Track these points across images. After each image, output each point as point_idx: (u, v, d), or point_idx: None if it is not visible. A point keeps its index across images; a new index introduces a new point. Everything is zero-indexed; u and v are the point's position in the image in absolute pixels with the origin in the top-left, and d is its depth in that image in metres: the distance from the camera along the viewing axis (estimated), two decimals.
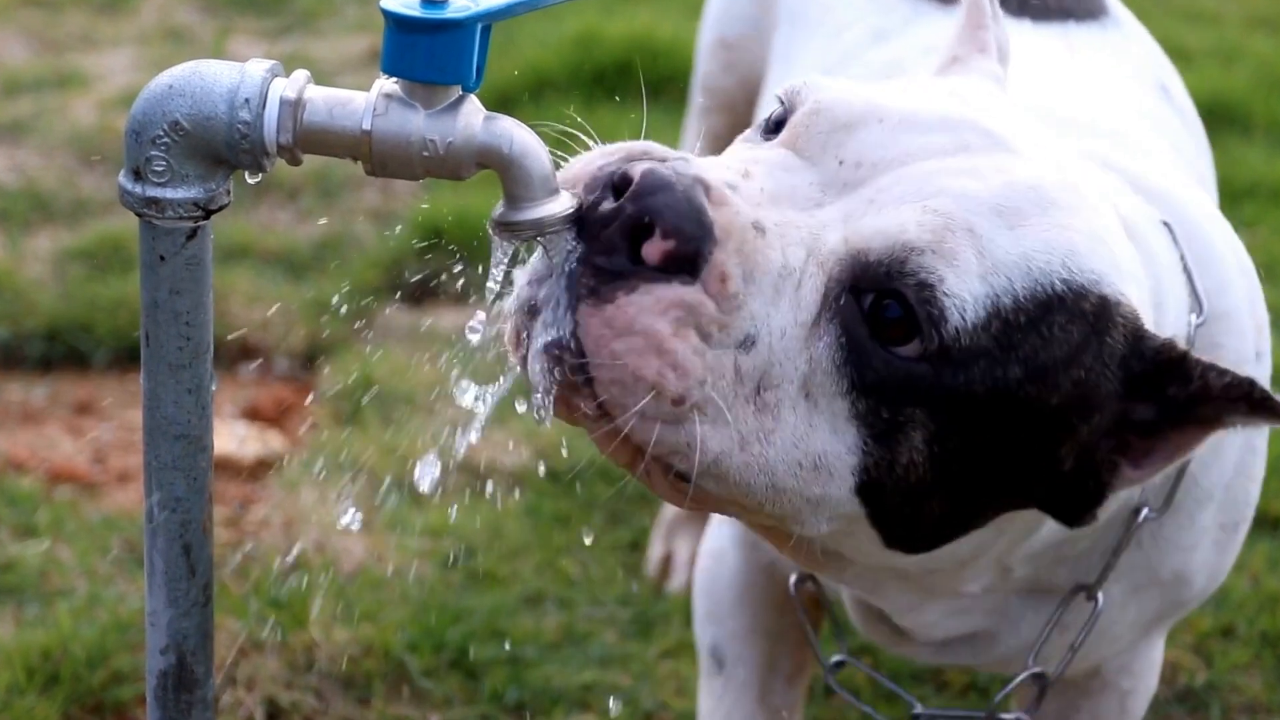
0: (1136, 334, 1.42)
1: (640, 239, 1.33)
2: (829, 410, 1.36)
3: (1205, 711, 2.59)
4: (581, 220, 1.35)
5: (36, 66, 5.23)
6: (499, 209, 1.38)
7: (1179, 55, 5.59)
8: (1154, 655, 1.97)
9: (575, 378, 1.35)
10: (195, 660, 1.57)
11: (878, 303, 1.35)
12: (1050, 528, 1.55)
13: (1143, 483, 1.47)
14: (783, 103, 1.50)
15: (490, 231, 1.39)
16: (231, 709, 2.46)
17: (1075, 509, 1.46)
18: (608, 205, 1.34)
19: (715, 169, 1.39)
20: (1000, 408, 1.38)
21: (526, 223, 1.36)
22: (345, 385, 3.38)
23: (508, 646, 2.65)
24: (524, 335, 1.38)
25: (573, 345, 1.34)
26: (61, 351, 3.57)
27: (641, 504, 3.02)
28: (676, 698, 2.56)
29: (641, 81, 4.97)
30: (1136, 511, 1.63)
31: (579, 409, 1.37)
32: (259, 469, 3.15)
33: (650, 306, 1.32)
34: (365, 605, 2.66)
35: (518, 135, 1.37)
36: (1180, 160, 1.84)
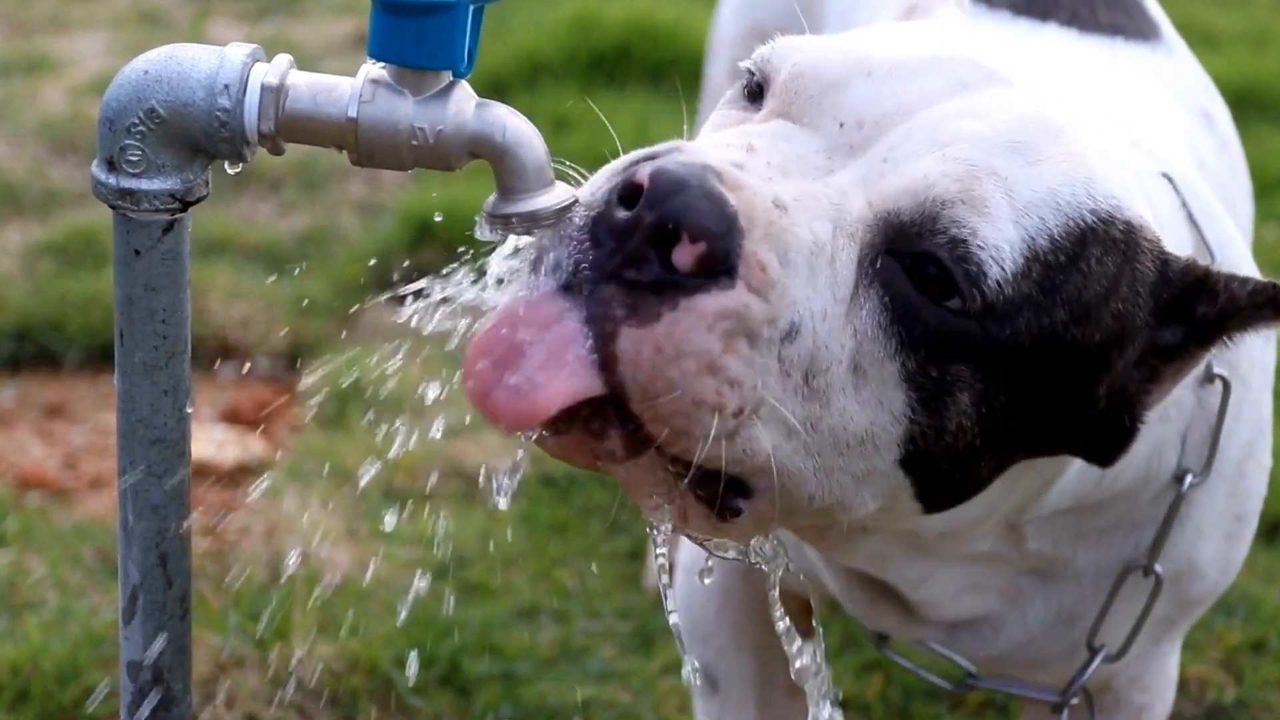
0: (1162, 257, 1.46)
1: (666, 245, 1.31)
2: (877, 378, 1.37)
3: None
4: (593, 233, 1.34)
5: (4, 51, 5.23)
6: (491, 201, 1.38)
7: (1207, 40, 5.60)
8: (1169, 669, 1.98)
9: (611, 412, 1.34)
10: (172, 676, 1.56)
11: (915, 262, 1.37)
12: (1062, 488, 1.58)
13: (1158, 403, 1.50)
14: (753, 72, 1.50)
15: (482, 224, 1.39)
16: None
17: (1108, 448, 1.49)
18: (621, 215, 1.33)
19: (716, 151, 1.39)
20: (1046, 355, 1.40)
21: (521, 215, 1.36)
22: (329, 386, 3.38)
23: (501, 662, 2.65)
24: None
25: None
26: (31, 351, 3.57)
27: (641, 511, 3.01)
28: (679, 715, 2.56)
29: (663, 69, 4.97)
30: (1180, 480, 1.66)
31: (606, 445, 1.36)
32: (239, 475, 3.15)
33: (697, 323, 1.31)
34: (351, 618, 2.66)
35: (511, 123, 1.37)
36: (1207, 176, 1.85)
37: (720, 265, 1.31)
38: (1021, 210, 1.38)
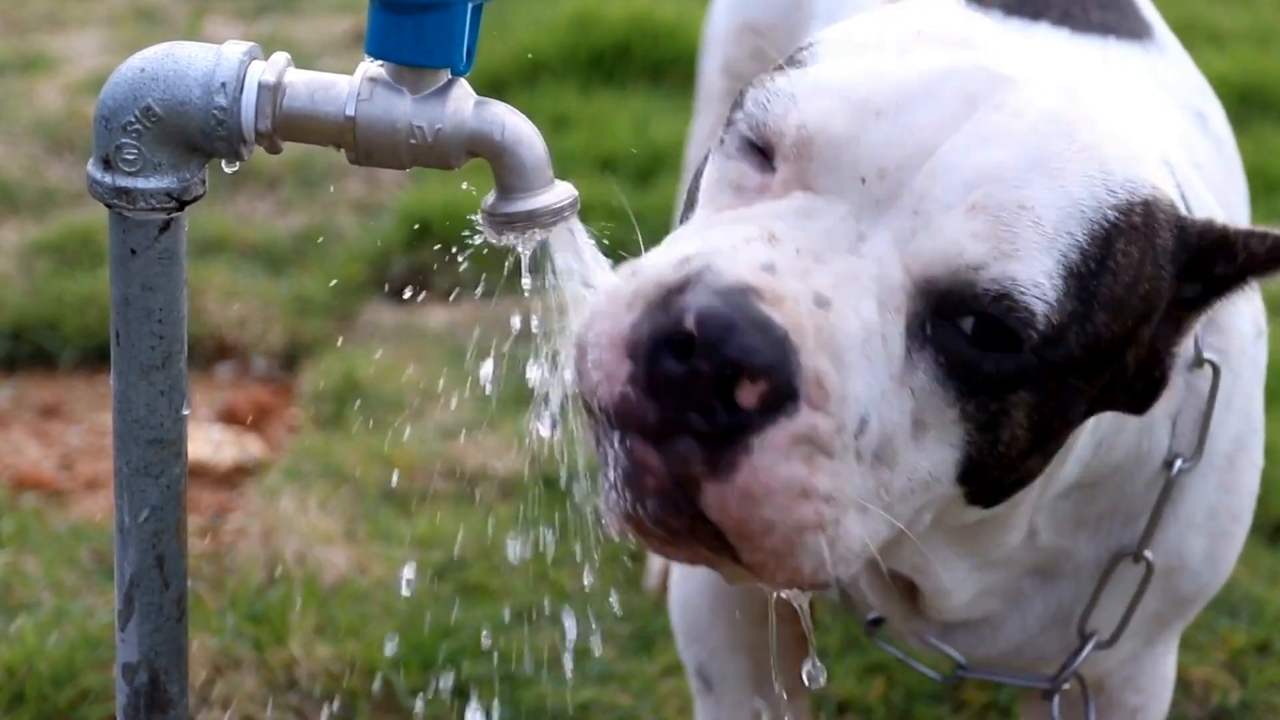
0: (1179, 225, 1.49)
1: (728, 387, 1.31)
2: (938, 424, 1.40)
3: None
4: (650, 388, 1.32)
5: (0, 49, 5.23)
6: (490, 199, 1.38)
7: (1211, 37, 5.60)
8: (1163, 670, 1.99)
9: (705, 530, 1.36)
10: (168, 678, 1.57)
11: (965, 322, 1.38)
12: (1071, 464, 1.62)
13: (1182, 345, 1.54)
14: (752, 140, 1.45)
15: (481, 223, 1.39)
16: None
17: (1143, 399, 1.54)
18: (674, 367, 1.31)
19: (742, 255, 1.35)
20: (1089, 355, 1.43)
21: (520, 214, 1.36)
22: (327, 387, 3.38)
23: (499, 664, 2.65)
24: (634, 504, 1.37)
25: (704, 519, 1.35)
26: (27, 351, 3.57)
27: None
28: (679, 717, 2.56)
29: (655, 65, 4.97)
30: (1169, 465, 1.70)
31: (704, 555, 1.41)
32: (236, 475, 3.15)
33: (776, 459, 1.32)
34: (348, 619, 2.66)
35: (510, 121, 1.37)
36: (1203, 176, 1.86)
37: (785, 393, 1.32)
38: (1051, 235, 1.39)
